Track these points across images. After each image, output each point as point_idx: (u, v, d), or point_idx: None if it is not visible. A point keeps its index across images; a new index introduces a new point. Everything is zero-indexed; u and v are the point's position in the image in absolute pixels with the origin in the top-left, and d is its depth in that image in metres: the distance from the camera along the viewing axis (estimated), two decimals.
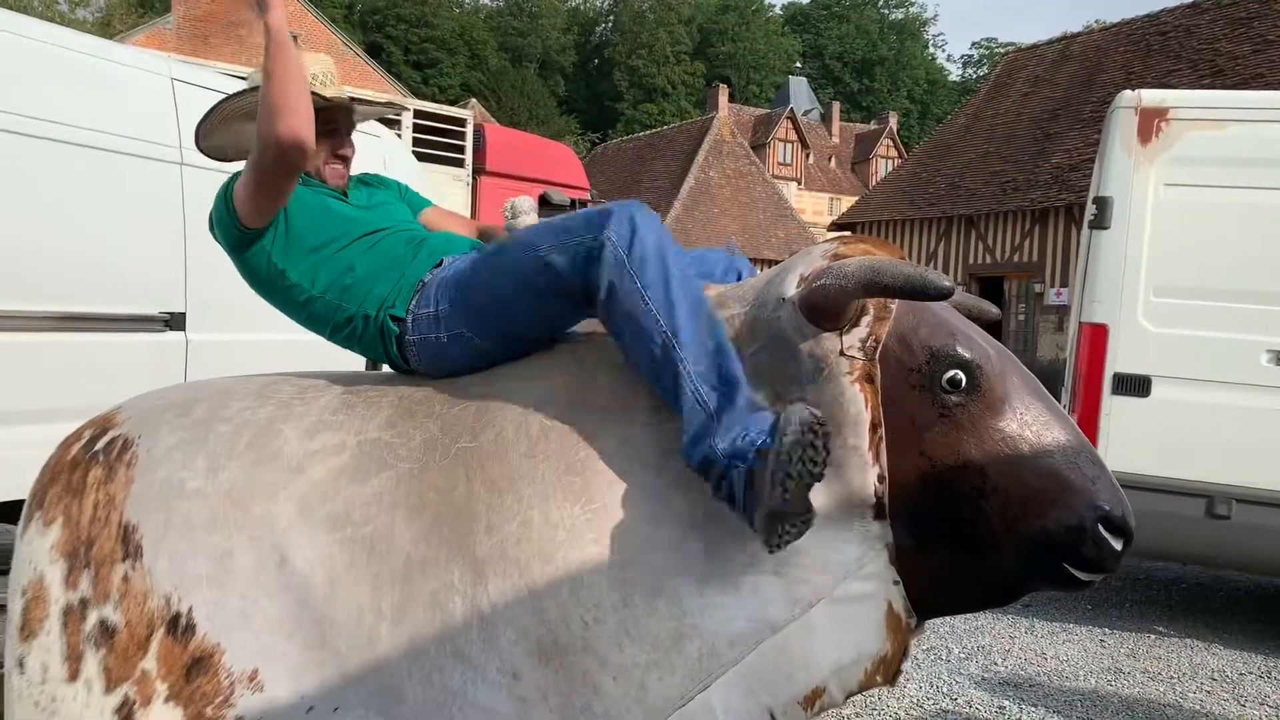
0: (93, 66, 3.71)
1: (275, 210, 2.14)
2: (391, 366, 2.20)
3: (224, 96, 2.31)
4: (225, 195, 2.15)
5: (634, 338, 1.74)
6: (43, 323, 3.48)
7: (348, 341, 2.20)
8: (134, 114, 3.82)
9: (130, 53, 4.04)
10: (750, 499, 1.60)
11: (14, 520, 2.28)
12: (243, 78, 5.29)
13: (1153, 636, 5.19)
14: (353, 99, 2.45)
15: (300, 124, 1.99)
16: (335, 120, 2.36)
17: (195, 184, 4.00)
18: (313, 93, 2.18)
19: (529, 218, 2.31)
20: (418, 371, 2.08)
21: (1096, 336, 5.08)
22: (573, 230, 1.82)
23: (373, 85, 27.58)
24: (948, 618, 4.99)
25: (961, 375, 1.78)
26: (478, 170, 9.20)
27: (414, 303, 2.04)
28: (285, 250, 2.16)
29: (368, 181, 2.51)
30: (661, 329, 1.71)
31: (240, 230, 2.14)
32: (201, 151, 2.44)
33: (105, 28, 35.04)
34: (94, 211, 3.65)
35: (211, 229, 2.22)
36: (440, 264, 2.11)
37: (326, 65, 2.41)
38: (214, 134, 2.37)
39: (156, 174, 3.88)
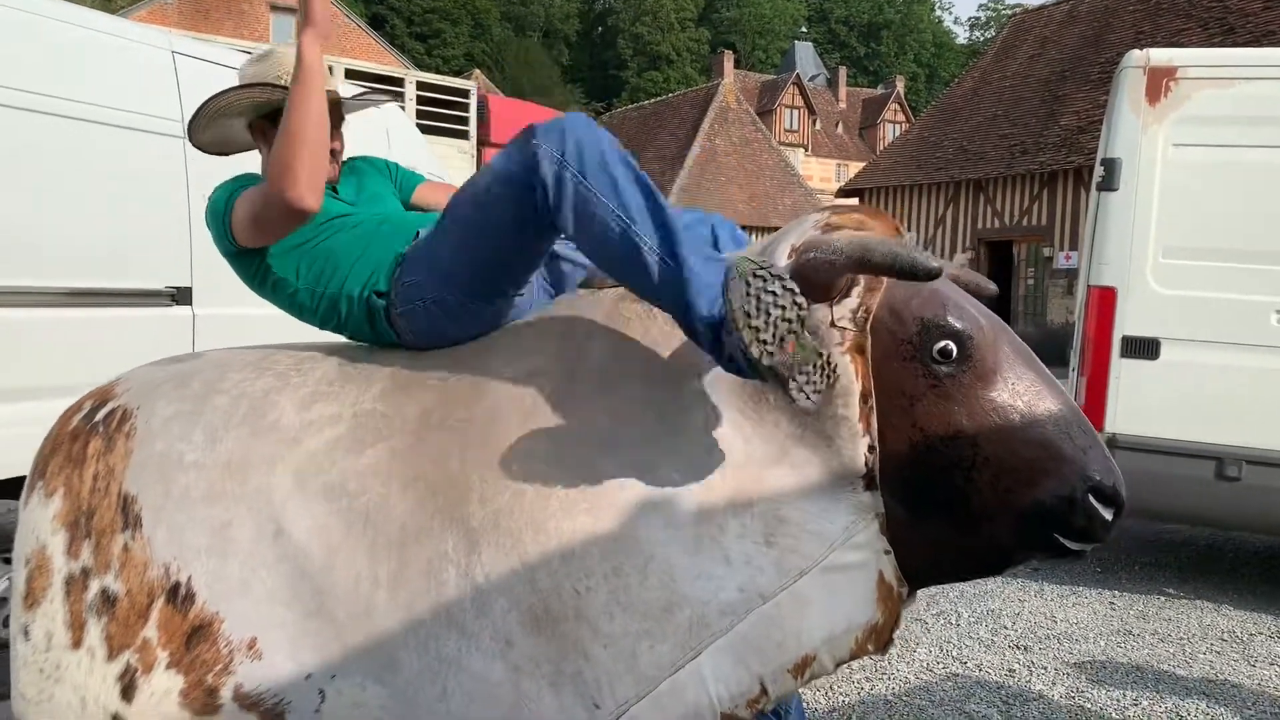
0: (94, 41, 3.70)
1: (272, 242, 2.12)
2: (383, 343, 2.17)
3: (209, 96, 2.24)
4: (222, 211, 2.11)
5: (589, 227, 1.71)
6: (49, 298, 3.49)
7: (338, 328, 2.20)
8: (136, 88, 3.81)
9: (131, 27, 4.02)
10: (751, 363, 1.60)
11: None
12: (247, 51, 5.27)
13: (1162, 598, 5.19)
14: (341, 97, 2.40)
15: (308, 193, 1.94)
16: None
17: (199, 158, 3.98)
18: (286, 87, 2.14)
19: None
20: (410, 345, 2.06)
21: (1105, 299, 5.05)
22: (509, 154, 1.80)
23: (375, 57, 27.46)
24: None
25: (952, 346, 1.77)
26: (482, 141, 9.17)
27: (395, 275, 2.03)
28: (272, 252, 2.15)
29: (357, 169, 2.47)
30: (613, 211, 1.69)
31: (233, 244, 2.13)
32: (196, 147, 2.41)
33: (107, 3, 34.93)
34: (98, 187, 3.65)
35: (206, 223, 2.19)
36: (416, 235, 2.10)
37: None
38: (205, 131, 2.33)
39: (160, 148, 3.87)
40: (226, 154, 2.46)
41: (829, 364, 1.61)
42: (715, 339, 1.65)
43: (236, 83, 2.29)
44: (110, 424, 1.86)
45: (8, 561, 3.45)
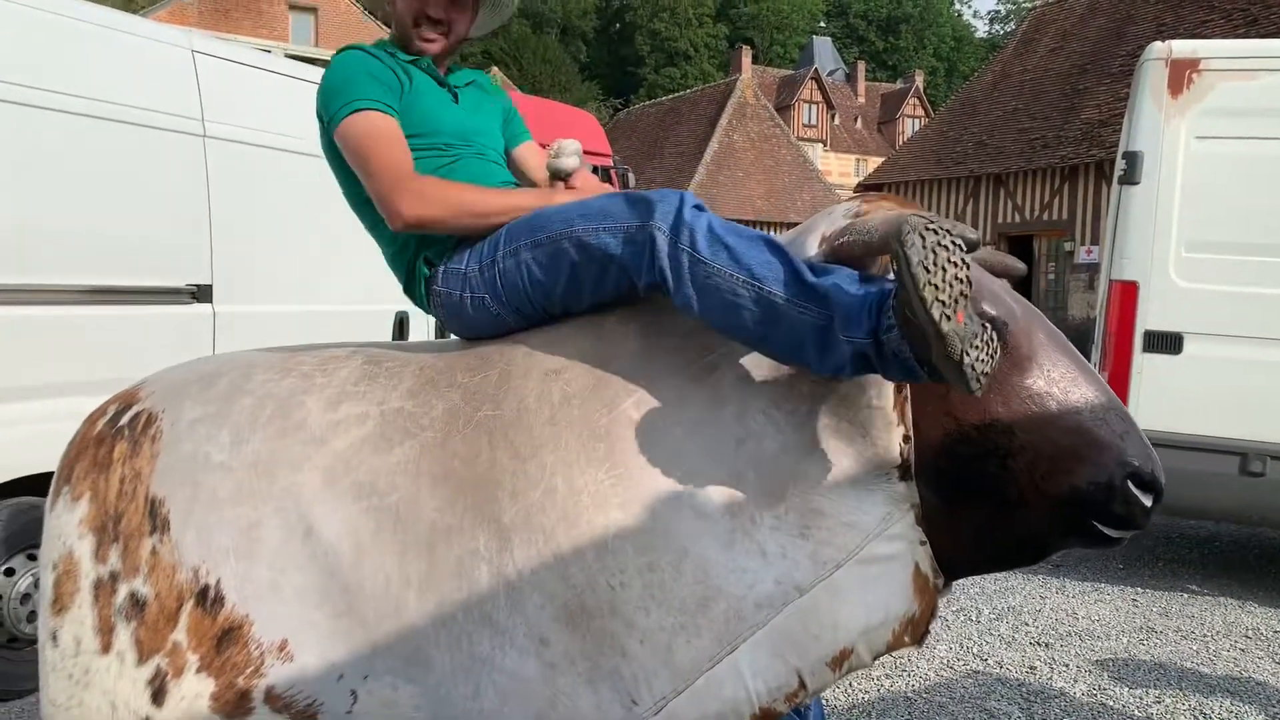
0: (115, 40, 3.72)
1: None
2: (414, 302, 2.20)
3: None
4: (334, 115, 2.04)
5: (719, 303, 1.69)
6: (70, 296, 3.52)
7: (392, 260, 2.19)
8: (157, 87, 3.83)
9: (151, 26, 4.04)
10: (921, 348, 1.49)
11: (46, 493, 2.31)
12: (266, 50, 5.29)
13: (1186, 595, 5.16)
14: None
15: (409, 224, 1.96)
16: None
17: (218, 156, 4.02)
18: None
19: (572, 160, 2.19)
20: (437, 317, 2.09)
21: (1127, 294, 5.01)
22: (614, 216, 1.79)
23: None
24: (977, 578, 4.99)
25: None
26: None
27: (451, 255, 2.04)
28: (397, 109, 2.08)
29: (482, 86, 2.39)
30: (742, 280, 1.66)
31: (329, 136, 2.10)
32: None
33: (128, 4, 35.15)
34: (120, 185, 3.67)
35: (319, 101, 2.11)
36: None
37: None
38: None
39: (180, 146, 3.90)
40: (371, 7, 2.40)
41: (994, 340, 1.49)
42: (875, 352, 1.57)
43: None
44: (136, 427, 1.87)
45: (33, 558, 3.48)
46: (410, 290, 2.18)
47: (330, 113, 2.05)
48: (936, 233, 1.46)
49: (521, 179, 2.38)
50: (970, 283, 1.46)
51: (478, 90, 2.35)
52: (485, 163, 2.21)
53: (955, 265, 1.44)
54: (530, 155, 2.42)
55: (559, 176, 2.19)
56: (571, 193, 2.08)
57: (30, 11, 3.41)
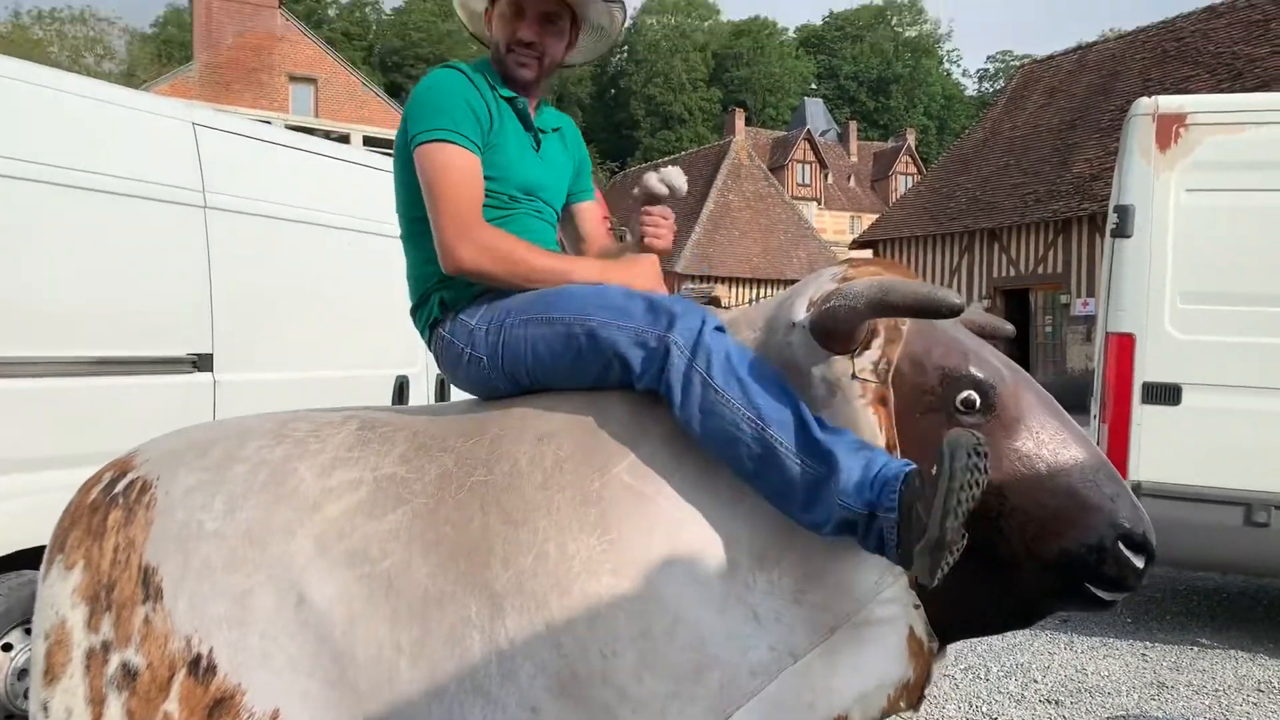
0: (116, 115, 3.77)
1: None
2: (415, 327, 2.22)
3: None
4: (416, 134, 2.05)
5: (720, 432, 1.71)
6: (71, 367, 3.53)
7: (413, 277, 2.19)
8: (158, 160, 3.87)
9: (153, 100, 4.11)
10: (909, 537, 1.55)
11: None
12: (266, 121, 5.37)
13: (1196, 649, 5.09)
14: None
15: (460, 269, 1.98)
16: (520, 2, 2.16)
17: (219, 226, 4.05)
18: None
19: (680, 185, 2.15)
20: (432, 351, 2.12)
21: (1124, 346, 5.02)
22: (633, 316, 1.81)
23: (393, 124, 27.89)
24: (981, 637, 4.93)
25: (975, 396, 1.76)
26: None
27: (465, 305, 2.06)
28: (480, 146, 2.08)
29: (565, 133, 2.37)
30: (748, 416, 1.68)
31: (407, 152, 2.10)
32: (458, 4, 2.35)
33: (130, 78, 35.71)
34: (121, 256, 3.70)
35: (407, 113, 2.11)
36: None
37: None
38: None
39: (181, 217, 3.93)
40: (475, 33, 2.39)
41: (964, 541, 1.55)
42: (864, 524, 1.61)
43: None
44: (130, 495, 1.86)
45: (29, 631, 3.45)
46: (416, 314, 2.20)
47: (417, 129, 2.04)
48: (982, 455, 1.51)
49: (568, 233, 2.38)
50: (979, 496, 1.51)
51: (559, 140, 2.34)
52: (539, 221, 2.22)
53: (979, 486, 1.50)
54: (588, 216, 2.42)
55: (655, 195, 2.16)
56: (626, 272, 2.06)
57: (32, 88, 3.47)
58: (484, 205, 2.06)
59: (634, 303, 1.84)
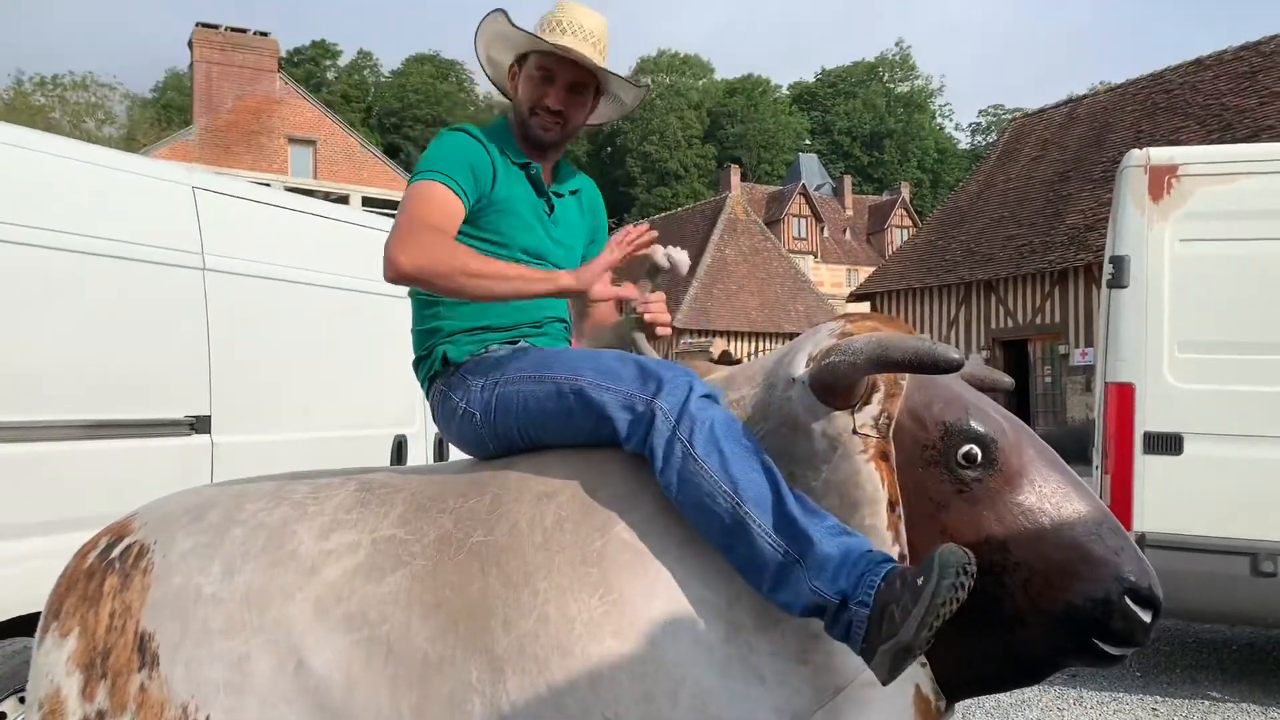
0: (116, 179, 3.80)
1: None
2: (417, 377, 2.22)
3: (490, 13, 2.19)
4: (410, 178, 2.10)
5: (696, 502, 1.71)
6: (71, 431, 3.51)
7: (417, 331, 2.20)
8: (157, 223, 3.90)
9: (153, 165, 4.14)
10: (878, 636, 1.55)
11: None
12: (265, 184, 5.42)
13: (1207, 703, 5.02)
14: (598, 67, 2.24)
15: (402, 275, 1.94)
16: (550, 67, 2.20)
17: (218, 288, 4.07)
18: (532, 34, 2.16)
19: (682, 264, 2.19)
20: (430, 405, 2.13)
21: (1124, 396, 5.01)
22: (622, 380, 1.83)
23: (391, 184, 28.16)
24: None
25: (977, 450, 1.76)
26: None
27: (466, 362, 2.07)
28: (469, 195, 2.09)
29: (584, 196, 2.40)
30: (723, 490, 1.68)
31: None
32: (480, 58, 2.35)
33: (131, 142, 36.07)
34: (119, 319, 3.70)
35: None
36: (518, 343, 2.13)
37: (589, 20, 2.23)
38: (486, 49, 2.30)
39: (180, 280, 3.94)
40: (496, 80, 2.40)
41: (928, 646, 1.55)
42: (834, 612, 1.61)
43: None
44: (127, 560, 1.85)
45: (23, 700, 3.39)
46: (417, 367, 2.20)
47: (415, 171, 2.10)
48: (969, 575, 1.51)
49: (575, 300, 2.36)
50: (955, 611, 1.51)
51: (575, 204, 2.36)
52: None
53: (958, 602, 1.51)
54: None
55: (656, 266, 2.19)
56: (569, 273, 2.02)
57: (33, 154, 3.50)
58: (478, 232, 2.11)
59: (625, 366, 1.86)
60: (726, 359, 8.69)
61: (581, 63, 2.20)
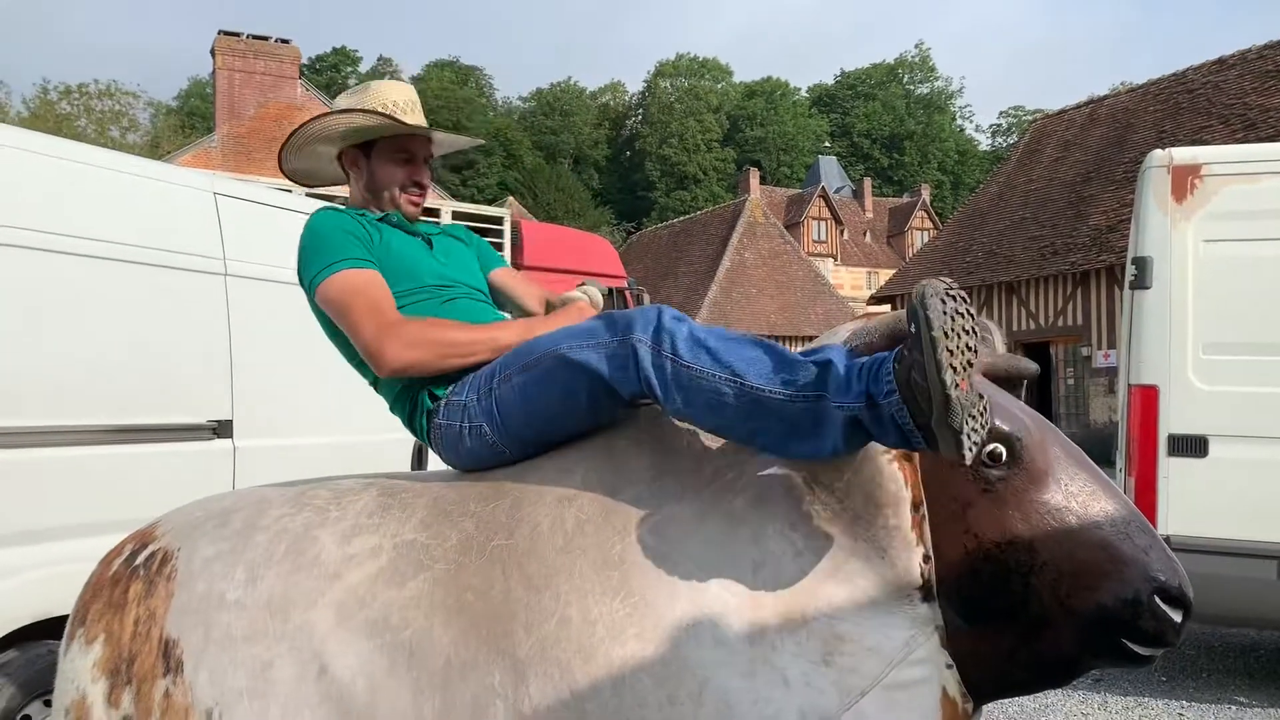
0: (140, 186, 3.83)
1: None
2: (414, 435, 2.22)
3: (304, 122, 2.33)
4: (312, 271, 2.16)
5: (705, 404, 1.72)
6: (95, 436, 3.54)
7: (395, 400, 2.22)
8: (180, 229, 3.93)
9: (175, 171, 4.17)
10: (921, 415, 1.50)
11: None
12: (286, 190, 5.45)
13: (1234, 708, 4.96)
14: (434, 127, 2.43)
15: (399, 371, 2.04)
16: (411, 148, 2.36)
17: (239, 293, 4.09)
18: (391, 118, 2.26)
19: (595, 294, 2.38)
20: (436, 453, 2.13)
21: (1147, 398, 4.97)
22: (597, 334, 1.84)
23: None
24: (1014, 697, 4.82)
25: (1001, 449, 1.74)
26: (516, 265, 9.34)
27: (453, 388, 2.07)
28: (375, 262, 2.17)
29: (452, 234, 2.51)
30: (724, 378, 1.68)
31: (310, 292, 2.19)
32: (286, 175, 2.48)
33: (154, 149, 36.38)
34: (142, 325, 3.73)
35: (298, 264, 2.23)
36: None
37: (409, 94, 2.42)
38: (295, 159, 2.42)
39: (202, 285, 3.97)
40: (312, 185, 2.53)
41: (988, 411, 1.49)
42: (871, 417, 1.58)
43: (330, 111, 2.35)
44: (151, 567, 1.86)
45: (49, 703, 3.42)
46: (411, 422, 2.20)
47: (310, 277, 2.15)
48: (955, 299, 1.48)
49: (506, 305, 2.48)
50: (978, 351, 1.47)
51: (447, 238, 2.46)
52: (475, 303, 2.29)
53: (968, 333, 1.47)
54: (507, 277, 2.53)
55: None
56: (552, 321, 2.15)
57: (57, 161, 3.53)
58: (420, 302, 2.17)
59: (595, 323, 1.89)
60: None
61: (446, 142, 2.42)
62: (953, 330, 1.45)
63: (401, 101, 2.35)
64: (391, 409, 2.26)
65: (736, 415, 1.69)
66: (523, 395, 1.92)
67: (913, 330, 1.49)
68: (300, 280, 2.20)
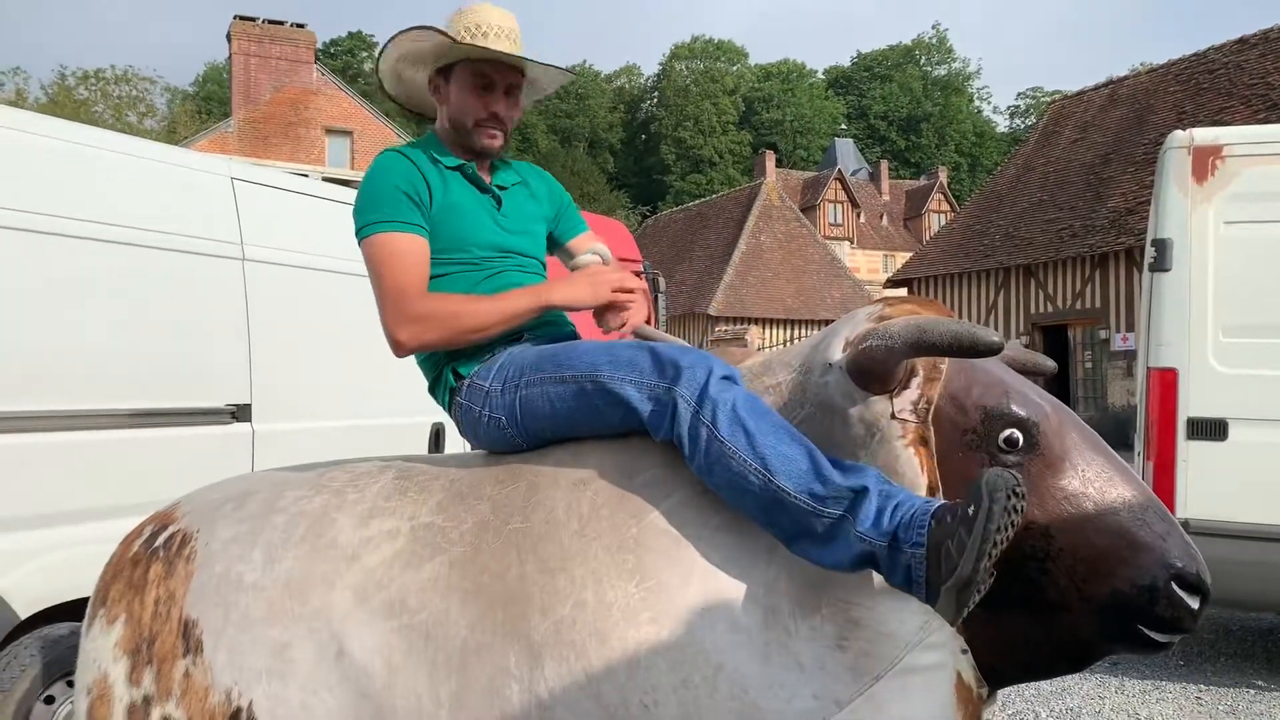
0: (157, 171, 3.85)
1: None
2: (437, 402, 2.23)
3: (392, 36, 2.16)
4: (357, 226, 2.11)
5: (728, 483, 1.71)
6: (116, 420, 3.57)
7: (423, 362, 2.21)
8: (197, 214, 3.94)
9: (192, 156, 4.19)
10: (937, 576, 1.52)
11: None
12: (303, 174, 5.46)
13: (1252, 691, 4.95)
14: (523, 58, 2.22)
15: (404, 348, 2.04)
16: (491, 76, 2.19)
17: (257, 278, 4.11)
18: (448, 38, 2.12)
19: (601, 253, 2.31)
20: (455, 423, 2.13)
21: (1166, 381, 4.94)
22: (640, 370, 1.82)
23: None
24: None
25: (1018, 434, 1.74)
26: None
27: (478, 370, 2.06)
28: (422, 225, 2.11)
29: (529, 181, 2.39)
30: (753, 468, 1.67)
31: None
32: (387, 96, 2.36)
33: (171, 134, 36.52)
34: (160, 310, 3.75)
35: (354, 205, 2.15)
36: (521, 337, 2.13)
37: (503, 21, 2.20)
38: (393, 86, 2.33)
39: (220, 270, 3.99)
40: (422, 113, 2.41)
41: (990, 579, 1.52)
42: (888, 557, 1.58)
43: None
44: (171, 548, 1.88)
45: (73, 684, 3.46)
46: (434, 392, 2.22)
47: (357, 226, 2.11)
48: (1019, 496, 1.48)
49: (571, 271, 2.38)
50: (1010, 538, 1.48)
51: (524, 190, 2.34)
52: (524, 274, 2.22)
53: (1014, 527, 1.48)
54: (584, 243, 2.44)
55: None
56: (563, 286, 2.09)
57: (76, 147, 3.55)
58: (460, 273, 2.13)
59: (641, 355, 1.85)
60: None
61: (521, 67, 2.22)
62: (1005, 527, 1.46)
63: (488, 26, 2.16)
64: (421, 368, 2.25)
65: (755, 504, 1.69)
66: (551, 406, 1.92)
67: (970, 512, 1.49)
68: (355, 221, 2.14)
